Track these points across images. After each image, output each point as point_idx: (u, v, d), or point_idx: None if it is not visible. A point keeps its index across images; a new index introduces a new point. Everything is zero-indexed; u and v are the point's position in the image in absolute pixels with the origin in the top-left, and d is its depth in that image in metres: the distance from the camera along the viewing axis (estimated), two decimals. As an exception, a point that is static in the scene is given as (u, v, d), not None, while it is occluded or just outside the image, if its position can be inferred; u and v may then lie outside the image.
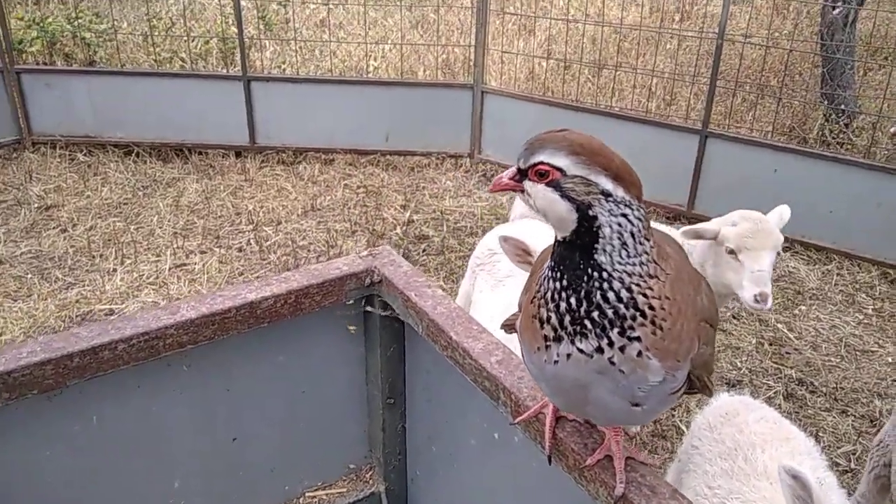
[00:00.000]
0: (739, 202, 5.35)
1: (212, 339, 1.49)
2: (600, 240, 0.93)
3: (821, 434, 3.71)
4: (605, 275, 0.92)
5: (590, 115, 5.98)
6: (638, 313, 0.92)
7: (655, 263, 0.94)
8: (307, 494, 1.80)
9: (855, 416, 3.93)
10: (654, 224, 3.49)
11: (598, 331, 0.93)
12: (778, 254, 2.96)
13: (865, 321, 4.70)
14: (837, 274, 5.09)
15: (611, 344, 0.93)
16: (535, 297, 0.98)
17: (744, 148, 5.37)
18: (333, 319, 1.69)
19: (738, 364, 4.23)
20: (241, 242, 5.40)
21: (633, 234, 0.93)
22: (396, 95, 6.50)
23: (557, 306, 0.95)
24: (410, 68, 7.58)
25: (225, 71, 7.24)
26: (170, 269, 4.94)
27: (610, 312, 0.92)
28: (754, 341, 4.42)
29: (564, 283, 0.94)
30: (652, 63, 6.85)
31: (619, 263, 0.92)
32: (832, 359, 4.36)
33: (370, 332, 1.74)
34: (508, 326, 1.22)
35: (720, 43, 5.21)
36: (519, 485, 1.44)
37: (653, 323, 0.92)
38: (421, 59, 7.78)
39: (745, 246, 2.85)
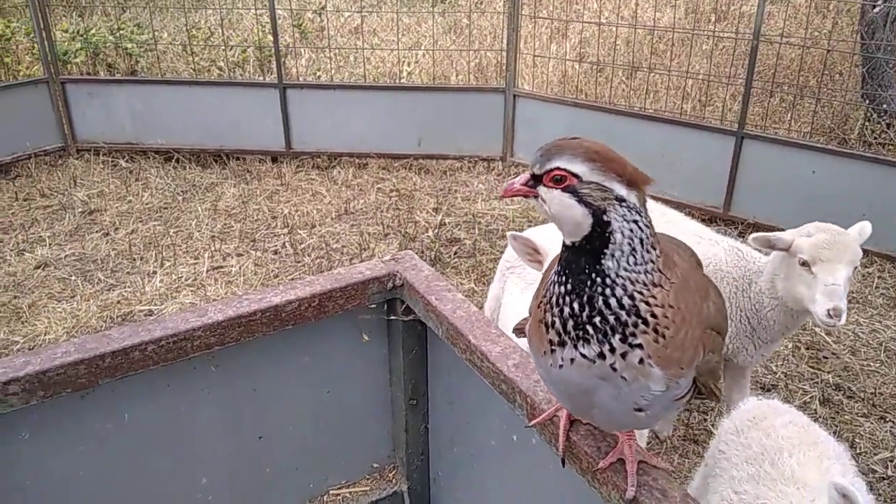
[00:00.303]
0: (777, 204, 5.29)
1: (238, 341, 1.54)
2: (610, 245, 0.94)
3: (857, 440, 3.63)
4: (608, 280, 0.94)
5: (623, 117, 5.94)
6: (640, 321, 0.93)
7: (661, 272, 0.95)
8: (331, 492, 1.84)
9: (894, 422, 3.83)
10: (693, 224, 3.40)
11: (599, 336, 0.94)
12: (855, 268, 2.78)
13: (907, 326, 4.58)
14: (879, 277, 4.96)
15: (612, 350, 0.94)
16: (541, 302, 1.00)
17: (781, 149, 5.27)
18: (355, 322, 1.73)
19: (774, 368, 4.15)
20: (276, 245, 5.50)
21: (641, 241, 0.94)
22: (429, 100, 6.55)
23: (561, 311, 0.96)
24: (443, 73, 7.63)
25: (262, 79, 7.38)
26: (207, 271, 5.06)
27: (612, 318, 0.93)
28: (791, 345, 4.34)
29: (569, 287, 0.96)
30: (687, 64, 6.77)
31: (625, 270, 0.93)
32: (871, 363, 4.26)
33: (393, 334, 1.77)
34: (519, 331, 1.23)
35: (756, 44, 5.13)
36: (536, 486, 1.46)
37: (655, 331, 0.93)
38: (454, 63, 7.82)
39: (819, 257, 2.70)
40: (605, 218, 0.94)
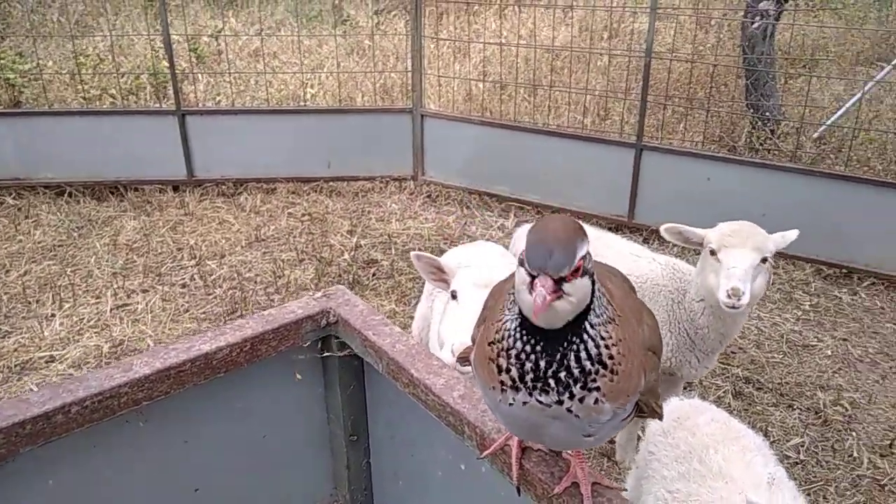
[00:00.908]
0: (677, 210, 5.56)
1: (168, 394, 1.46)
2: (594, 301, 0.96)
3: (770, 429, 3.84)
4: (586, 336, 0.94)
5: (528, 133, 6.10)
6: (601, 366, 0.95)
7: (612, 305, 0.97)
8: (274, 539, 1.78)
9: (801, 409, 4.10)
10: (629, 244, 3.47)
11: (560, 388, 0.95)
12: (766, 261, 2.84)
13: (804, 317, 4.91)
14: (774, 273, 5.30)
15: (571, 397, 0.95)
16: (493, 343, 1.00)
17: (677, 159, 5.56)
18: (290, 362, 1.68)
19: (687, 369, 4.34)
20: (184, 278, 5.29)
21: (595, 284, 0.96)
22: (336, 122, 6.51)
23: (522, 365, 0.96)
24: (348, 95, 7.59)
25: (158, 106, 7.11)
26: (111, 310, 4.79)
27: (577, 372, 0.94)
28: (700, 345, 4.55)
29: (538, 348, 0.95)
30: (584, 80, 7.04)
31: (597, 318, 0.95)
32: (775, 355, 4.53)
33: (328, 371, 1.73)
34: (463, 359, 1.23)
35: (648, 60, 5.40)
36: (488, 515, 1.46)
37: (612, 371, 0.95)
38: (358, 85, 7.80)
39: (724, 244, 2.79)
40: (595, 280, 0.96)
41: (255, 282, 5.25)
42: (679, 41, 7.82)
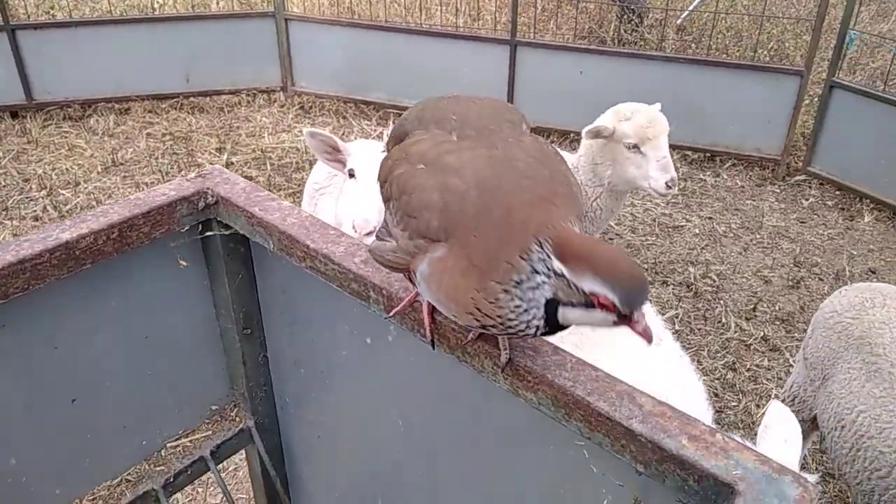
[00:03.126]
0: (552, 105, 5.62)
1: (25, 290, 1.28)
2: None
3: (647, 303, 4.07)
4: None
5: (401, 34, 5.89)
6: None
7: None
8: (168, 445, 1.66)
9: (674, 284, 4.35)
10: None
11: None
12: None
13: (673, 200, 5.17)
14: (644, 163, 5.52)
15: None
16: (485, 314, 0.96)
17: (551, 53, 5.57)
18: (167, 252, 1.52)
19: (571, 256, 4.50)
20: (35, 210, 4.81)
21: None
22: (191, 31, 5.99)
23: (520, 335, 0.97)
24: (202, 1, 6.99)
25: (-21, 20, 6.24)
26: (-48, 250, 4.29)
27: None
28: (582, 233, 4.71)
29: (541, 333, 0.96)
30: (453, -22, 6.85)
31: None
32: (649, 238, 4.77)
33: (212, 260, 1.59)
34: (392, 268, 1.10)
35: (517, -50, 5.29)
36: (398, 382, 1.41)
37: None
38: (212, -10, 7.20)
39: (646, 136, 2.89)
40: None
41: (119, 207, 4.85)
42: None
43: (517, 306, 0.93)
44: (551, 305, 0.92)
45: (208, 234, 1.53)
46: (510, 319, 0.94)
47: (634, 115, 2.97)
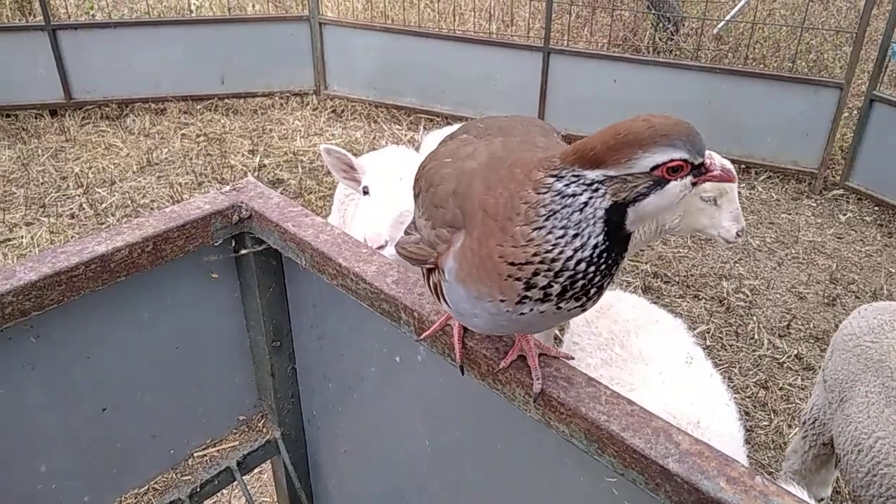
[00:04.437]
0: (585, 113, 5.57)
1: (60, 303, 1.29)
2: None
3: (678, 319, 4.00)
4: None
5: (435, 40, 5.89)
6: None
7: None
8: (196, 455, 1.66)
9: (706, 298, 4.28)
10: None
11: (596, 296, 0.89)
12: None
13: (706, 213, 5.08)
14: (677, 174, 5.44)
15: (595, 300, 0.90)
16: (526, 264, 0.86)
17: (584, 61, 5.53)
18: (201, 265, 1.53)
19: (601, 267, 4.45)
20: (72, 208, 4.89)
21: None
22: (227, 34, 6.06)
23: (574, 283, 0.85)
24: (238, 4, 7.07)
25: (23, 21, 6.39)
26: (-9, 246, 4.39)
27: (614, 277, 0.89)
28: (612, 245, 4.66)
29: (603, 267, 0.86)
30: (488, -17, 6.83)
31: None
32: (681, 250, 4.70)
33: (245, 273, 1.60)
34: (418, 260, 1.05)
35: (553, -42, 5.26)
36: (428, 403, 1.40)
37: None
38: (248, -7, 7.29)
39: (724, 190, 2.97)
40: None
41: (152, 208, 4.92)
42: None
43: (561, 235, 0.84)
44: (616, 214, 0.84)
45: (242, 251, 1.54)
46: (559, 254, 0.84)
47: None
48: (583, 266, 0.85)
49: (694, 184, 0.83)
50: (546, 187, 0.85)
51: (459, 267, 0.93)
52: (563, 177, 0.84)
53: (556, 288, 0.86)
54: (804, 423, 2.81)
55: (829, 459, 2.77)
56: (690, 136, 0.81)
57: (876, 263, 4.69)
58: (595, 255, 0.84)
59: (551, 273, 0.85)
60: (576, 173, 0.83)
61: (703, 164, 0.82)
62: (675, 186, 0.83)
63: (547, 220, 0.84)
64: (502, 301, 0.89)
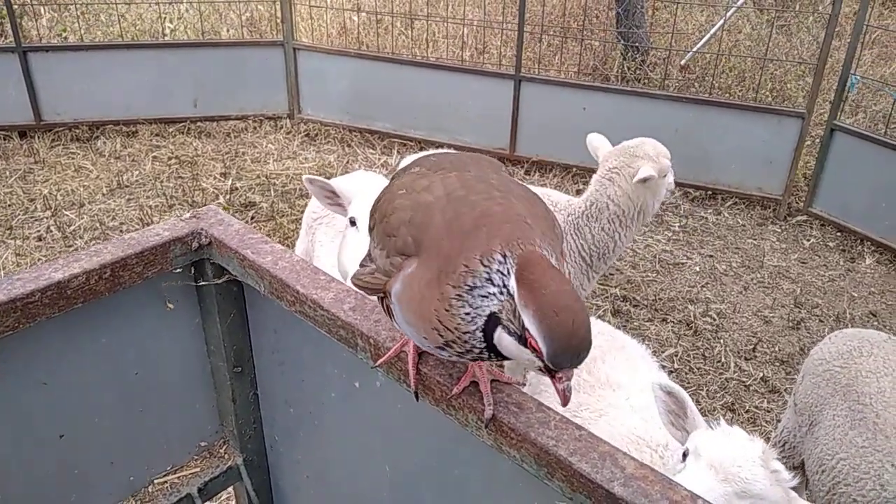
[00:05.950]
0: (555, 141, 5.66)
1: (15, 329, 1.29)
2: None
3: (646, 342, 4.03)
4: None
5: (408, 66, 5.96)
6: None
7: None
8: (156, 482, 1.65)
9: (673, 322, 4.34)
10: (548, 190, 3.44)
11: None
12: None
13: (674, 237, 5.18)
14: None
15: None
16: (446, 328, 0.94)
17: (554, 89, 5.62)
18: (159, 291, 1.53)
19: (571, 292, 4.49)
20: (39, 231, 4.83)
21: None
22: (200, 57, 6.07)
23: (474, 348, 0.95)
24: (212, 28, 7.09)
25: (-8, 41, 6.35)
26: (-46, 269, 4.31)
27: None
28: (582, 269, 4.70)
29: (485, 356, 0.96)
30: (462, 13, 6.93)
31: None
32: (649, 274, 4.76)
33: (205, 299, 1.60)
34: (370, 290, 1.09)
35: (523, -11, 5.37)
36: (386, 428, 1.41)
37: None
38: (223, 17, 7.31)
39: (668, 168, 3.22)
40: None
41: (121, 230, 4.88)
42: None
43: (467, 313, 0.89)
44: (492, 323, 0.89)
45: (202, 283, 1.54)
46: (465, 332, 0.91)
47: (654, 151, 3.17)
48: (475, 347, 0.93)
49: (540, 370, 0.90)
50: (488, 263, 0.89)
51: (403, 291, 0.98)
52: (504, 264, 0.88)
53: (467, 348, 0.94)
54: (773, 445, 2.84)
55: (800, 483, 2.80)
56: (565, 351, 0.85)
57: (839, 287, 4.79)
58: (476, 345, 0.93)
59: (461, 344, 0.93)
60: (509, 271, 0.88)
61: (553, 373, 0.89)
62: (528, 354, 0.88)
63: (468, 292, 0.89)
64: (425, 338, 0.97)
